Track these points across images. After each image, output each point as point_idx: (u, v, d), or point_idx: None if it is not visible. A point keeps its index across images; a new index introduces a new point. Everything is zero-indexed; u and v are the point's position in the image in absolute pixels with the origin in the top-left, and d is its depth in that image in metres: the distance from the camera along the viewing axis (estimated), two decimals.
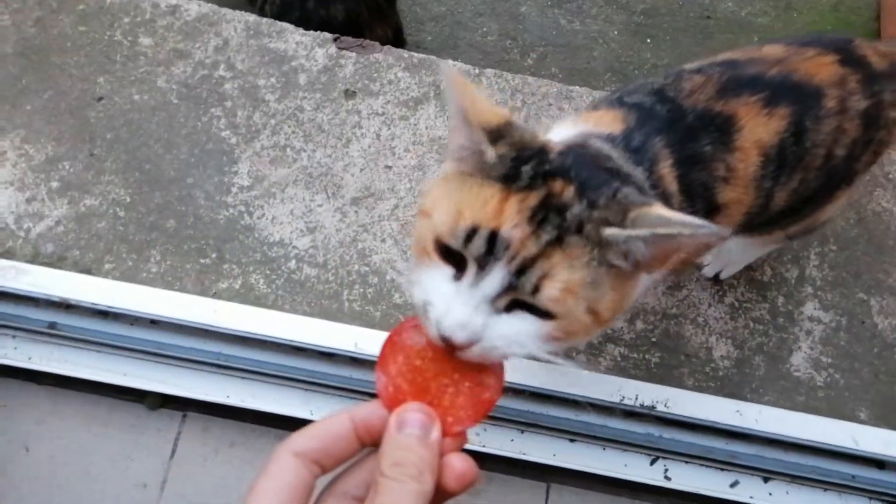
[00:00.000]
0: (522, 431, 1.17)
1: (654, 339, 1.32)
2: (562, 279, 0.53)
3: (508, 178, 0.57)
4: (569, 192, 0.56)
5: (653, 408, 1.13)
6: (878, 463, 1.16)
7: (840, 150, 0.89)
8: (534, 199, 0.55)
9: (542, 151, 0.60)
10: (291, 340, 1.11)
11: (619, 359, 1.30)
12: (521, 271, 0.54)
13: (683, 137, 0.76)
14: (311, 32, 1.44)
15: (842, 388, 1.32)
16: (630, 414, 1.17)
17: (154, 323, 1.13)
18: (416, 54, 1.46)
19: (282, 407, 1.14)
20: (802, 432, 1.12)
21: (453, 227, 0.56)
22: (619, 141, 0.73)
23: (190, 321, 1.10)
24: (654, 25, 2.03)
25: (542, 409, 1.16)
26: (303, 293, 1.28)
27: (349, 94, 1.41)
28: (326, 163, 1.36)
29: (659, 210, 0.56)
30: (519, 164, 0.57)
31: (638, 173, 0.69)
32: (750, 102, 0.80)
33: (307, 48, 1.43)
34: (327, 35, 1.44)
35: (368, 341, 1.13)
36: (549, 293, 0.53)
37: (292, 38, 1.43)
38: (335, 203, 1.34)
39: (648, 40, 2.01)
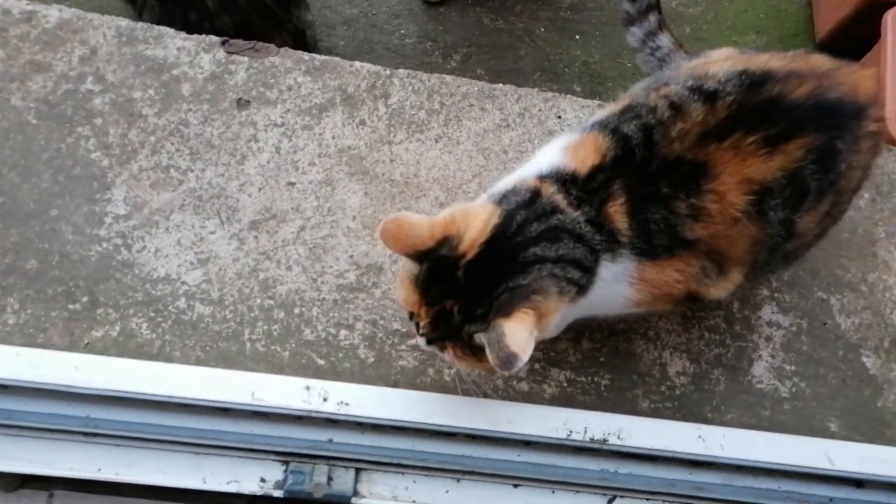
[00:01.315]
0: (458, 480, 1.01)
1: (602, 359, 1.17)
2: (449, 352, 0.86)
3: (424, 294, 0.84)
4: (455, 308, 0.83)
5: (605, 441, 0.99)
6: (856, 482, 1.04)
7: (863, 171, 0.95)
8: (434, 311, 0.84)
9: (455, 263, 0.82)
10: (173, 397, 0.93)
11: (565, 384, 1.15)
12: (430, 342, 0.88)
13: (643, 181, 0.85)
14: (195, 36, 1.26)
15: (808, 398, 1.20)
16: (580, 449, 1.01)
17: (4, 388, 0.93)
18: (318, 56, 1.30)
19: (167, 477, 0.95)
20: (772, 455, 0.99)
21: (403, 306, 0.88)
22: (581, 181, 0.86)
23: (46, 383, 0.91)
24: (583, 21, 1.92)
25: (479, 451, 1.00)
26: (195, 336, 1.10)
27: (242, 103, 1.23)
28: (218, 183, 1.18)
29: (502, 328, 0.78)
30: (431, 283, 0.84)
31: (578, 217, 0.85)
32: (741, 146, 0.83)
33: (191, 54, 1.25)
34: (214, 38, 1.26)
35: (267, 390, 0.95)
36: (444, 357, 0.88)
37: (173, 44, 1.25)
38: (230, 229, 1.16)
39: (577, 37, 1.90)
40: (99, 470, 0.94)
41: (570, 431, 0.98)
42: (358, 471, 0.98)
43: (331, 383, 0.98)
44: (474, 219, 0.83)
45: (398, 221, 0.81)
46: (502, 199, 0.86)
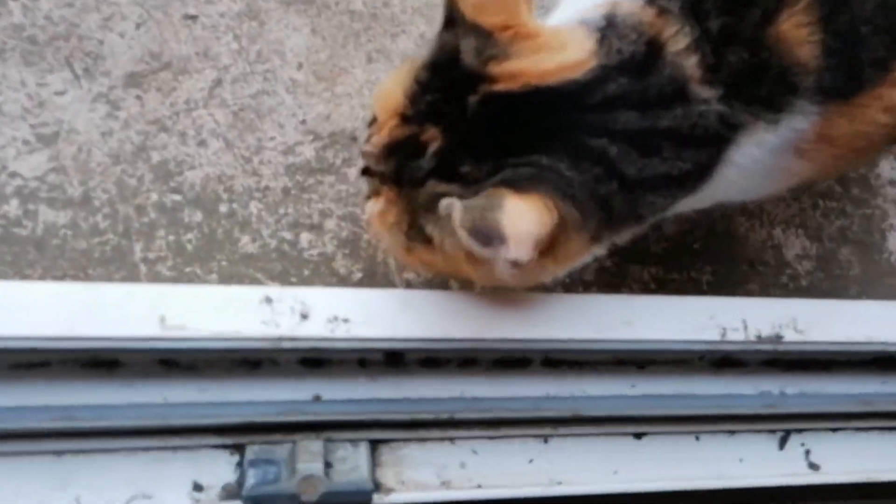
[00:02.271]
0: (546, 440, 0.59)
1: (696, 247, 0.79)
2: (379, 204, 0.52)
3: (411, 98, 0.50)
4: (433, 146, 0.49)
5: (778, 338, 0.60)
6: None
7: None
8: (401, 132, 0.51)
9: (476, 81, 0.49)
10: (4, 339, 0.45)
11: (652, 284, 0.76)
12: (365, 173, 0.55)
13: None
14: None
15: None
16: (725, 364, 0.62)
17: None
18: None
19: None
20: None
21: (373, 101, 0.54)
22: None
23: None
24: None
25: (574, 387, 0.59)
26: (43, 260, 0.62)
27: None
28: (65, 17, 0.71)
29: (503, 199, 0.45)
30: (429, 84, 0.50)
31: (711, 101, 0.50)
32: None
33: None
34: None
35: (191, 311, 0.49)
36: (366, 207, 0.55)
37: None
38: (93, 86, 0.69)
39: None
40: None
41: (724, 329, 0.59)
42: (374, 444, 0.54)
43: (310, 290, 0.53)
44: (554, 50, 0.49)
45: None
46: (604, 35, 0.50)
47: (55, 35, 0.70)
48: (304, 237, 0.69)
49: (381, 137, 0.52)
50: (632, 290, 0.75)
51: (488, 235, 0.44)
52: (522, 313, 0.56)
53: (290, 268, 0.67)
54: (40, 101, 0.67)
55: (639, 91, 0.49)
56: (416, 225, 0.51)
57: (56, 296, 0.49)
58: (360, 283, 0.68)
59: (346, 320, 0.52)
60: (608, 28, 0.50)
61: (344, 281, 0.68)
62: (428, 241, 0.51)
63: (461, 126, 0.49)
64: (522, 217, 0.45)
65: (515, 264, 0.47)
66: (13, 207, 0.63)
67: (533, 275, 0.53)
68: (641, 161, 0.50)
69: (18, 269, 0.61)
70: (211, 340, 0.49)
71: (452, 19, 0.49)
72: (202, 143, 0.70)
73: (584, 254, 0.55)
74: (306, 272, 0.68)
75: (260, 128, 0.72)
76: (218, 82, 0.73)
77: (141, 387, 0.51)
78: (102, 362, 0.50)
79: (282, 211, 0.69)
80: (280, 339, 0.50)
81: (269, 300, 0.51)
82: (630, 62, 0.49)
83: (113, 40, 0.71)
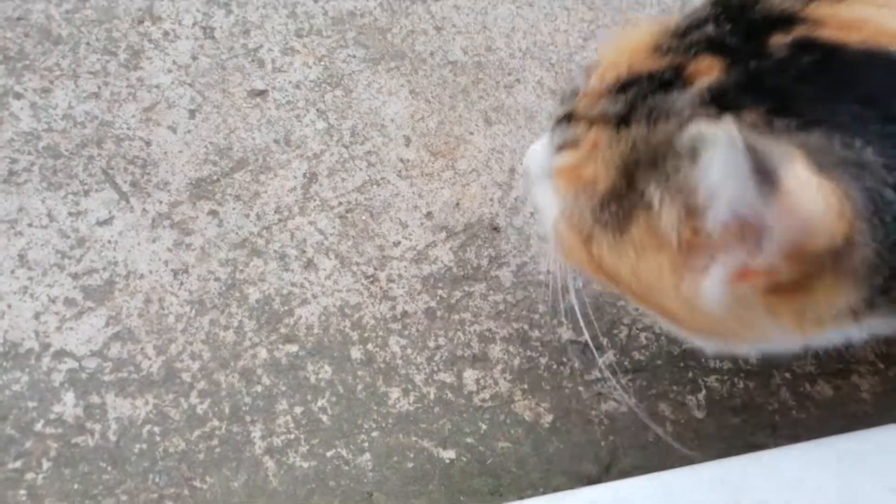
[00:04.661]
0: None
1: None
2: (558, 163, 0.38)
3: (666, 34, 0.36)
4: (705, 78, 0.33)
5: None
6: None
7: None
8: (651, 63, 0.35)
9: (774, 20, 0.34)
10: None
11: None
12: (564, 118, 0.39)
13: None
14: None
15: None
16: None
17: None
18: None
19: None
20: None
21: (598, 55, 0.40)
22: None
23: None
24: None
25: None
26: (127, 480, 0.42)
27: None
28: (91, 113, 0.51)
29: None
30: (701, 22, 0.35)
31: None
32: None
33: None
34: None
35: None
36: (556, 162, 0.39)
37: None
38: (147, 206, 0.49)
39: None
40: None
41: None
42: None
43: (631, 485, 0.35)
44: None
45: None
46: None
47: (83, 140, 0.49)
48: (469, 376, 0.50)
49: (614, 73, 0.36)
50: (865, 378, 0.59)
51: (767, 167, 0.28)
52: None
53: (462, 424, 0.49)
54: (79, 237, 0.47)
55: None
56: (626, 187, 0.35)
57: None
58: (554, 428, 0.50)
59: None
60: None
61: (533, 428, 0.50)
62: (627, 219, 0.34)
63: (757, 66, 0.34)
64: (809, 187, 0.29)
65: (749, 274, 0.30)
66: (69, 406, 0.42)
67: (758, 322, 0.34)
68: None
69: (94, 502, 0.40)
70: None
71: None
72: (309, 265, 0.50)
73: (836, 324, 0.36)
74: (484, 426, 0.49)
75: (378, 231, 0.53)
76: (312, 177, 0.53)
77: None
78: None
79: (431, 343, 0.51)
80: None
81: None
82: None
83: (162, 138, 0.51)
